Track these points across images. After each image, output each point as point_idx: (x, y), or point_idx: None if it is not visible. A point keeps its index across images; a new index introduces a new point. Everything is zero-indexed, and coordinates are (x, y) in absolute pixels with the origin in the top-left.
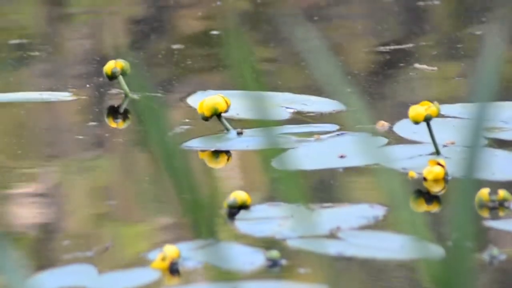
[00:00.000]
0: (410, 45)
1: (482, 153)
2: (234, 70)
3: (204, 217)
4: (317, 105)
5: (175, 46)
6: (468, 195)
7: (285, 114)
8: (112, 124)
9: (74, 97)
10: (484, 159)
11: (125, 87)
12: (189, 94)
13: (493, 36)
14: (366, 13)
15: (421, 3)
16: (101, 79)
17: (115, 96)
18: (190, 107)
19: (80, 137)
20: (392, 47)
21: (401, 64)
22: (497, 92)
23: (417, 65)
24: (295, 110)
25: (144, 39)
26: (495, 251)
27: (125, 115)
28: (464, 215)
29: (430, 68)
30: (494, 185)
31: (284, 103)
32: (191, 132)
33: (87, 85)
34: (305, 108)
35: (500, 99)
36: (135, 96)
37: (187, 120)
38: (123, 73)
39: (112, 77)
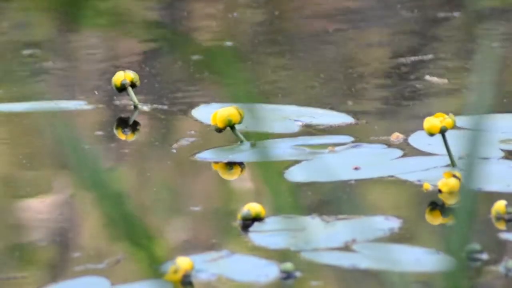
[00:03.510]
0: (427, 56)
1: (481, 164)
2: (230, 83)
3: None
4: (325, 118)
5: (194, 57)
6: (468, 206)
7: (294, 127)
8: (121, 136)
9: (90, 106)
10: (484, 170)
11: (134, 98)
12: (192, 106)
13: (493, 48)
14: (383, 25)
15: (441, 14)
16: (110, 87)
17: (124, 107)
18: (196, 119)
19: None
20: (408, 59)
21: (417, 76)
22: (499, 104)
23: (427, 77)
24: (304, 123)
25: (160, 50)
26: (510, 263)
27: (134, 127)
28: (463, 226)
29: (441, 80)
30: (511, 197)
31: (292, 116)
32: (196, 145)
33: (95, 92)
34: (314, 121)
35: None
36: (145, 108)
37: (193, 132)
38: (133, 84)
39: (121, 88)
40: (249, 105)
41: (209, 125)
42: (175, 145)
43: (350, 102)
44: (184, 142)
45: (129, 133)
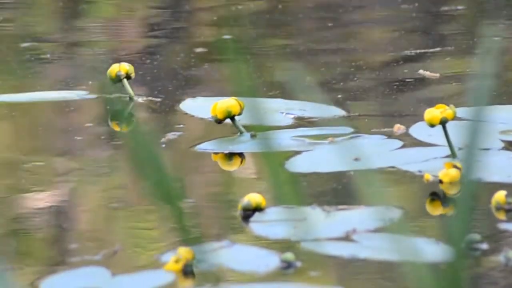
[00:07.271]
0: (427, 50)
1: (481, 155)
2: (231, 76)
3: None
4: (315, 111)
5: (197, 50)
6: (467, 196)
7: (287, 120)
8: (116, 127)
9: (89, 96)
10: (484, 161)
11: (130, 90)
12: (181, 100)
13: (493, 39)
14: (385, 19)
15: (445, 8)
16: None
17: (119, 99)
18: (185, 112)
19: (79, 138)
20: (408, 53)
21: (418, 69)
22: (496, 95)
23: (421, 71)
24: (296, 116)
25: (162, 43)
26: (510, 253)
27: (129, 119)
28: (463, 216)
29: (433, 74)
30: (511, 188)
31: (282, 109)
32: (188, 137)
33: (90, 82)
34: (305, 114)
35: None
36: (140, 100)
37: (181, 126)
38: (128, 76)
39: (116, 80)
40: (250, 98)
41: (201, 118)
42: (163, 139)
43: (347, 95)
44: (171, 136)
45: (124, 125)
